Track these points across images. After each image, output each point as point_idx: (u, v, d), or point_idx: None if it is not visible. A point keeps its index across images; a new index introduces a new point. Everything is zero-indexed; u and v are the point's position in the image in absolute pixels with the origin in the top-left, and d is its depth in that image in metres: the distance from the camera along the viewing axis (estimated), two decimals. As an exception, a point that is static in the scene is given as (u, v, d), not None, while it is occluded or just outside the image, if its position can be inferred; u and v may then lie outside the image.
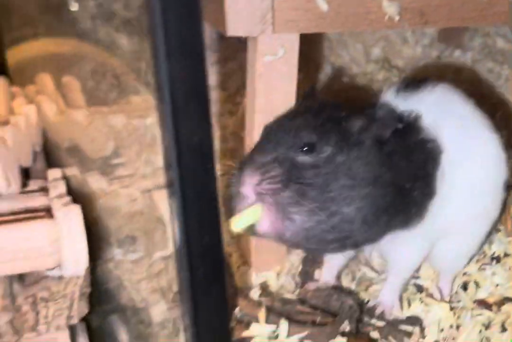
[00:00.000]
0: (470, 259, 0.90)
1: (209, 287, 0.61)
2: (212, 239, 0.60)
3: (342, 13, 0.77)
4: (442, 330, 0.80)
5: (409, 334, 0.80)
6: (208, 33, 0.93)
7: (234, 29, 0.74)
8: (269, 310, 0.74)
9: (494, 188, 0.84)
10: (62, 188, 1.07)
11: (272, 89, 0.81)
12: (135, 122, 0.77)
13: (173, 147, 0.56)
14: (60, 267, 0.86)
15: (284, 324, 0.71)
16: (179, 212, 0.58)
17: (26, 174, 1.20)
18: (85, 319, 1.17)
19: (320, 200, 0.68)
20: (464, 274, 0.90)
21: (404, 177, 0.72)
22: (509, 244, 0.91)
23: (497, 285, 0.87)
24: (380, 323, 0.81)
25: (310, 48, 1.15)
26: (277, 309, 0.76)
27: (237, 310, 0.73)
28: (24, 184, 1.11)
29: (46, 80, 1.32)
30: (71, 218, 0.81)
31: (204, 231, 0.59)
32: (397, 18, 0.77)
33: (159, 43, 0.52)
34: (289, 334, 0.71)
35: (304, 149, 0.69)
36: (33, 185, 1.12)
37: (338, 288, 0.85)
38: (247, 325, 0.71)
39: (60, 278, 1.01)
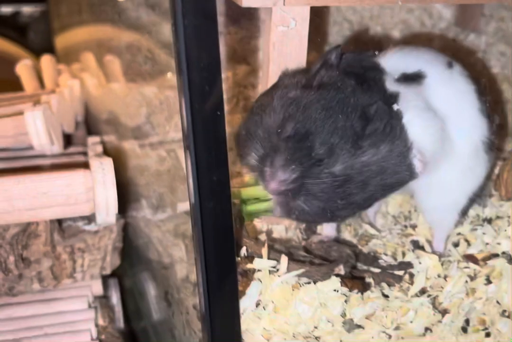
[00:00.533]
0: (461, 217, 0.97)
1: (217, 239, 0.70)
2: (221, 198, 0.69)
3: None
4: (429, 278, 0.87)
5: (400, 280, 0.88)
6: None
7: (249, 0, 0.82)
8: (273, 249, 0.83)
9: (474, 145, 0.92)
10: (99, 150, 1.17)
11: (284, 57, 0.89)
12: (166, 93, 0.86)
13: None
14: (95, 214, 0.95)
15: (284, 259, 0.80)
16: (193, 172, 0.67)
17: (68, 140, 1.31)
18: (117, 275, 1.28)
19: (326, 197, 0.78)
20: (458, 234, 0.98)
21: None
22: (500, 207, 0.97)
23: (487, 244, 0.94)
24: (376, 270, 0.90)
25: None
26: (281, 251, 0.85)
27: (243, 248, 0.82)
28: (66, 147, 1.21)
29: (89, 59, 1.43)
30: (103, 168, 0.90)
31: (214, 190, 0.68)
32: (399, -6, 0.84)
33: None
34: (288, 270, 0.80)
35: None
36: (74, 149, 1.22)
37: (338, 241, 0.94)
38: (252, 261, 0.80)
39: (96, 232, 1.12)
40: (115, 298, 1.24)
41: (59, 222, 1.10)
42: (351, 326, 0.81)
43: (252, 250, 0.81)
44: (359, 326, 0.82)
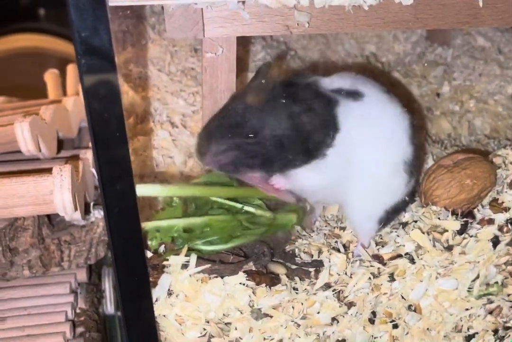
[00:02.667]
0: (382, 225, 1.08)
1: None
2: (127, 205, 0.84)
3: (264, 21, 0.98)
4: (333, 275, 0.99)
5: (310, 275, 1.00)
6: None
7: (172, 33, 0.96)
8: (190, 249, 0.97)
9: (394, 165, 1.03)
10: (89, 154, 1.33)
11: (215, 79, 1.03)
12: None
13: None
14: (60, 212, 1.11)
15: (193, 256, 0.94)
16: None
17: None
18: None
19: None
20: (379, 235, 1.09)
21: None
22: (416, 213, 1.08)
23: (398, 246, 1.05)
24: (293, 266, 1.02)
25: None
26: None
27: (162, 246, 0.97)
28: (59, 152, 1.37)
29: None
30: (61, 174, 1.06)
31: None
32: (306, 25, 0.96)
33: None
34: (197, 266, 0.94)
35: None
36: (65, 153, 1.38)
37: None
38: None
39: (83, 226, 1.28)
40: (106, 285, 1.39)
41: (49, 217, 1.27)
42: (258, 315, 0.95)
43: (169, 248, 0.95)
44: (267, 315, 0.95)
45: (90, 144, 1.39)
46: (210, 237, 0.95)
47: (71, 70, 1.85)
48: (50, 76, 1.84)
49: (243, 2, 0.87)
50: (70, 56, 2.31)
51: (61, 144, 1.40)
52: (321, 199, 1.09)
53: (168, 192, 0.97)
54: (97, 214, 1.28)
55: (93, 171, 1.29)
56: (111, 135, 0.79)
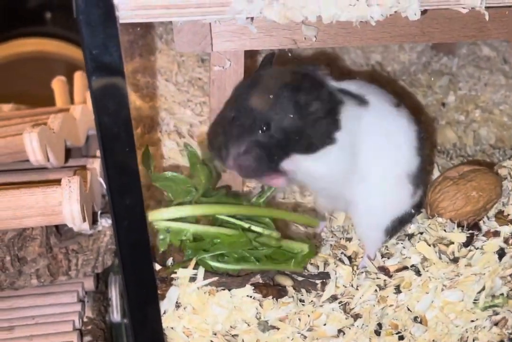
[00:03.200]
0: (388, 236, 1.09)
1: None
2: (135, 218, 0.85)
3: (272, 35, 0.98)
4: (339, 287, 1.00)
5: (316, 287, 1.01)
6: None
7: (181, 47, 0.97)
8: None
9: (400, 176, 1.04)
10: (96, 163, 1.34)
11: (223, 92, 1.04)
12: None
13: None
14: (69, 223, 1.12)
15: (201, 269, 0.95)
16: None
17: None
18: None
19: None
20: (385, 247, 1.10)
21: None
22: (422, 224, 1.09)
23: (404, 258, 1.05)
24: (300, 278, 1.03)
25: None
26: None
27: (170, 259, 0.98)
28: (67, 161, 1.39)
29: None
30: (70, 186, 1.07)
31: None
32: (314, 39, 0.97)
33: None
34: (204, 279, 0.95)
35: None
36: (73, 162, 1.39)
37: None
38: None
39: (91, 235, 1.29)
40: (113, 293, 1.40)
41: (56, 226, 1.28)
42: (265, 327, 0.95)
43: (177, 260, 0.96)
44: (273, 327, 0.96)
45: (97, 153, 1.40)
46: (218, 250, 0.96)
47: (78, 77, 1.86)
48: (57, 84, 1.85)
49: (252, 18, 0.88)
50: (76, 61, 2.32)
51: (69, 152, 1.41)
52: (327, 194, 1.10)
53: (186, 212, 0.97)
54: (104, 223, 1.29)
55: (101, 180, 1.30)
56: (120, 151, 0.80)
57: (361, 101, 1.02)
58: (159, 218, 0.97)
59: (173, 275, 0.95)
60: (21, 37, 2.34)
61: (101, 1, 0.73)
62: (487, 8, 0.90)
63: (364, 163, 1.02)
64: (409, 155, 1.05)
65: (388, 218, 1.06)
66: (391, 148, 1.04)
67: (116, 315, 1.38)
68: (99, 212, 1.27)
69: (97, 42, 0.74)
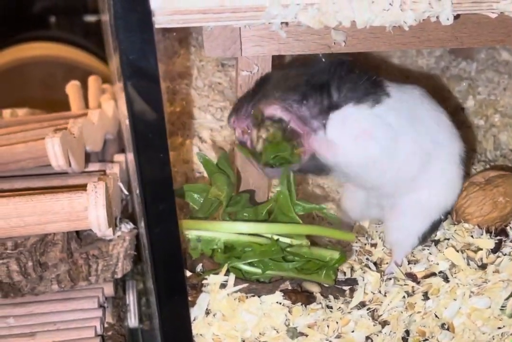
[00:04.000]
0: (421, 242, 1.08)
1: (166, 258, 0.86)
2: (168, 225, 0.85)
3: (300, 39, 0.98)
4: (367, 293, 1.00)
5: (344, 294, 1.01)
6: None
7: (211, 51, 0.96)
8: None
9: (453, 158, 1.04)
10: (116, 169, 1.34)
11: (250, 97, 1.03)
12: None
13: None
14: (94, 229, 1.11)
15: (231, 275, 0.94)
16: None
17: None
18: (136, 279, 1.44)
19: None
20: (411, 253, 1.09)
21: None
22: (448, 230, 1.08)
23: (431, 264, 1.05)
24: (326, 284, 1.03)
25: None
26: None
27: (200, 265, 0.97)
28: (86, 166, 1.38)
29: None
30: (96, 191, 1.06)
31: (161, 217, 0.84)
32: (343, 44, 0.96)
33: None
34: (235, 285, 0.94)
35: None
36: (93, 167, 1.39)
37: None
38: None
39: (110, 240, 1.28)
40: (131, 299, 1.40)
41: (77, 231, 1.27)
42: (294, 333, 0.95)
43: (206, 267, 0.96)
44: (302, 334, 0.96)
45: (115, 158, 1.40)
46: (250, 258, 0.95)
47: (92, 82, 1.86)
48: (72, 88, 1.84)
49: (286, 23, 0.87)
50: (81, 64, 2.32)
51: (87, 157, 1.40)
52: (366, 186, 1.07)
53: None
54: (124, 228, 1.29)
55: (121, 185, 1.30)
56: (155, 157, 0.79)
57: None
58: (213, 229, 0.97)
59: (203, 281, 0.94)
60: (26, 41, 2.33)
61: (138, 6, 0.72)
62: (516, 13, 0.90)
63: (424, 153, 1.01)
64: (453, 135, 1.05)
65: (428, 222, 1.05)
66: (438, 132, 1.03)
67: (133, 321, 1.37)
68: (118, 217, 1.27)
69: (134, 47, 0.74)
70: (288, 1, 0.82)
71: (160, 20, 0.77)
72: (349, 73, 0.96)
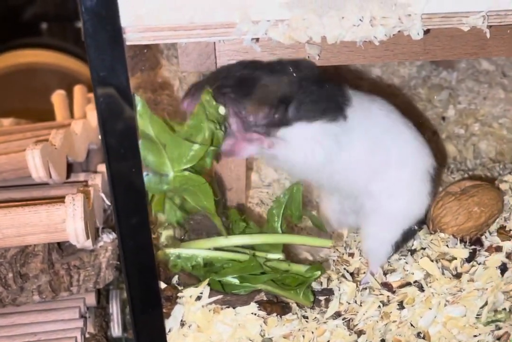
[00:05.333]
0: (395, 250, 1.09)
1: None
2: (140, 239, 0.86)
3: (275, 53, 0.99)
4: (343, 303, 1.01)
5: (319, 304, 1.02)
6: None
7: (185, 66, 0.97)
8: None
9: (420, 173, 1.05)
10: (98, 179, 1.35)
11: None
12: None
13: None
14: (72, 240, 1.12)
15: (206, 288, 0.95)
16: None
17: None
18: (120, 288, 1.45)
19: None
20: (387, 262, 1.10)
21: None
22: (424, 240, 1.09)
23: (407, 273, 1.06)
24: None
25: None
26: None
27: (176, 277, 0.98)
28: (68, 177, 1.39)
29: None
30: (74, 203, 1.07)
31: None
32: (317, 58, 0.98)
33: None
34: (209, 297, 0.95)
35: None
36: (75, 178, 1.40)
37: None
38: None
39: (92, 250, 1.29)
40: (114, 308, 1.40)
41: (58, 242, 1.28)
42: (269, 344, 0.96)
43: (182, 279, 0.97)
44: (278, 344, 0.97)
45: (98, 168, 1.40)
46: (230, 274, 0.96)
47: (78, 91, 1.86)
48: (57, 98, 1.85)
49: (257, 39, 0.88)
50: (72, 72, 2.32)
51: (70, 167, 1.41)
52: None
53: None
54: (106, 238, 1.29)
55: (102, 195, 1.30)
56: (127, 171, 0.80)
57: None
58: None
59: (178, 294, 0.95)
60: (18, 48, 2.34)
61: (109, 24, 0.73)
62: (489, 26, 0.91)
63: (382, 163, 1.03)
64: (423, 149, 1.07)
65: (400, 230, 1.06)
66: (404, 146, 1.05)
67: (117, 330, 1.38)
68: (100, 227, 1.28)
69: (105, 65, 0.75)
70: (259, 17, 0.83)
71: (131, 37, 0.78)
72: (311, 86, 0.96)
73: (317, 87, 0.96)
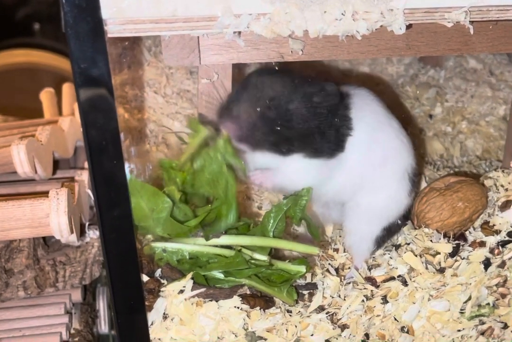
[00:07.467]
0: (377, 246, 1.09)
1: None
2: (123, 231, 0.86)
3: (259, 48, 0.99)
4: (326, 297, 1.01)
5: (303, 298, 1.02)
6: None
7: (169, 60, 0.98)
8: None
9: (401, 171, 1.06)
10: (84, 175, 1.35)
11: (210, 105, 1.05)
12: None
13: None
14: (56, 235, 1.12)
15: (190, 280, 0.95)
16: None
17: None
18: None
19: None
20: (372, 257, 1.11)
21: None
22: (409, 235, 1.10)
23: (391, 268, 1.06)
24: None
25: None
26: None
27: (159, 270, 0.98)
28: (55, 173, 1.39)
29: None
30: (58, 198, 1.07)
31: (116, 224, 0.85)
32: (300, 53, 0.98)
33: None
34: (192, 290, 0.95)
35: None
36: (61, 174, 1.40)
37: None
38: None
39: (78, 247, 1.29)
40: (101, 305, 1.40)
41: (44, 237, 1.28)
42: (253, 337, 0.96)
43: (165, 273, 0.97)
44: (261, 338, 0.97)
45: (86, 165, 1.41)
46: (215, 269, 0.97)
47: (67, 89, 1.86)
48: (45, 95, 1.84)
49: (239, 33, 0.88)
50: (64, 72, 2.32)
51: (57, 164, 1.41)
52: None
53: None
54: (92, 234, 1.29)
55: (89, 192, 1.30)
56: (109, 163, 0.80)
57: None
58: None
59: (162, 288, 0.95)
60: (10, 48, 2.34)
61: (89, 16, 0.73)
62: (471, 22, 0.91)
63: (360, 170, 1.04)
64: (404, 148, 1.07)
65: (380, 226, 1.06)
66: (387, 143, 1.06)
67: (104, 327, 1.38)
68: (87, 224, 1.28)
69: (86, 56, 0.75)
70: (241, 10, 0.83)
71: (112, 29, 0.78)
72: (317, 121, 0.99)
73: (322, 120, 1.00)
